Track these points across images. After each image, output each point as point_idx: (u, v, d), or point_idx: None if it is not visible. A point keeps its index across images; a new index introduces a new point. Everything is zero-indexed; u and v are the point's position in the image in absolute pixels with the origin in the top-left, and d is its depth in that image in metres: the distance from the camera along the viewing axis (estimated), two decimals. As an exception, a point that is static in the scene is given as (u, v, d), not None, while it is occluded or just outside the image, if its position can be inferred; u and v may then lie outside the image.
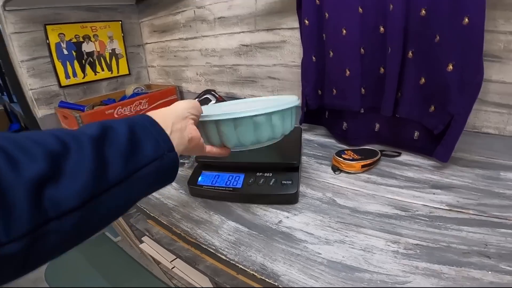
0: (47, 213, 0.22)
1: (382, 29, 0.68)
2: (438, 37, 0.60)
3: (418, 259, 0.41)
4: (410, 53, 0.65)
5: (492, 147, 0.67)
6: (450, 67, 0.59)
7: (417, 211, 0.51)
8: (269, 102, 0.60)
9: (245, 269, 0.42)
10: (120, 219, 1.12)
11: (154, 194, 0.64)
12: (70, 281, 1.41)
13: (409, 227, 0.47)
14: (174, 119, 0.38)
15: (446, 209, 0.51)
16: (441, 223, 0.47)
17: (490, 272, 0.38)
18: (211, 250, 0.47)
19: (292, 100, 0.52)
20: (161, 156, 0.33)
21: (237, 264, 0.44)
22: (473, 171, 0.62)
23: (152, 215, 0.59)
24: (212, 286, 0.75)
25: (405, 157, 0.71)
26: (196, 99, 1.04)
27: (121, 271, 1.47)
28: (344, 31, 0.71)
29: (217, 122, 0.46)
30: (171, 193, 0.65)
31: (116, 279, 1.39)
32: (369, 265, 0.41)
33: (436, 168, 0.64)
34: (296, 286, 0.39)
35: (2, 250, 0.20)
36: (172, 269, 0.91)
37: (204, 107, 0.56)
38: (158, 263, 1.09)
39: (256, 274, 0.41)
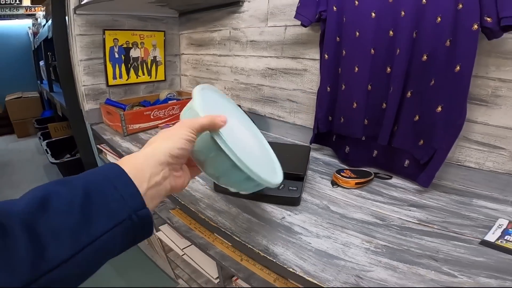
0: None
1: (389, 69, 0.81)
2: (433, 81, 0.73)
3: (383, 256, 0.54)
4: (409, 93, 0.78)
5: (472, 178, 0.79)
6: (439, 108, 0.72)
7: (392, 221, 0.64)
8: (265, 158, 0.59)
9: (253, 248, 0.57)
10: None
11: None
12: None
13: (383, 233, 0.61)
14: (152, 169, 0.34)
15: (416, 223, 0.64)
16: (408, 232, 0.61)
17: (433, 272, 0.50)
18: (228, 233, 0.62)
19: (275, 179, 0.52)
20: (126, 219, 0.29)
21: (247, 244, 0.58)
22: (450, 197, 0.74)
23: (182, 202, 0.74)
24: (215, 274, 0.89)
25: (395, 180, 0.84)
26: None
27: (126, 258, 1.62)
28: (357, 69, 0.85)
29: (233, 164, 0.42)
30: (198, 188, 0.80)
31: (120, 264, 1.55)
32: (345, 256, 0.55)
33: (418, 192, 0.77)
34: (289, 263, 0.53)
35: None
36: (182, 256, 1.04)
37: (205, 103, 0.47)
38: (168, 251, 1.23)
39: (260, 253, 0.56)
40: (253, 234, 0.61)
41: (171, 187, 0.37)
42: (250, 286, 0.74)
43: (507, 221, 0.62)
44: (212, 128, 0.41)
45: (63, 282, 0.25)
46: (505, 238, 0.57)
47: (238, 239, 0.60)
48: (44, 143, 2.57)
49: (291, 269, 0.52)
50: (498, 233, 0.58)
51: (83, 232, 0.26)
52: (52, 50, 2.50)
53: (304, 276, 0.50)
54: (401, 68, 0.77)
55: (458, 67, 0.68)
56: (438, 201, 0.72)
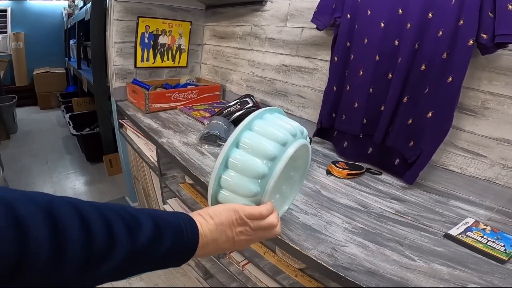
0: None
1: (390, 75, 0.89)
2: (427, 88, 0.81)
3: (358, 236, 0.64)
4: (406, 98, 0.86)
5: (454, 182, 0.87)
6: (430, 114, 0.80)
7: (372, 209, 0.74)
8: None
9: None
10: (153, 179, 1.39)
11: (196, 160, 0.91)
12: None
13: (362, 217, 0.70)
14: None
15: (393, 213, 0.73)
16: (384, 220, 0.70)
17: (396, 254, 0.59)
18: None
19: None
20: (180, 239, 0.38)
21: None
22: (430, 195, 0.83)
23: (193, 174, 0.85)
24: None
25: (384, 176, 0.92)
26: (237, 100, 1.25)
27: None
28: (361, 72, 0.93)
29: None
30: (208, 163, 0.91)
31: None
32: (326, 231, 0.64)
33: (403, 188, 0.86)
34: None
35: None
36: None
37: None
38: None
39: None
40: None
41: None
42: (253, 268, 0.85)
43: (473, 220, 0.70)
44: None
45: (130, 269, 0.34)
46: (467, 233, 0.65)
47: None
48: (67, 115, 2.73)
49: (279, 236, 0.62)
50: (462, 229, 0.67)
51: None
52: (84, 31, 2.66)
53: (289, 243, 0.61)
54: (400, 75, 0.85)
55: (450, 78, 0.75)
56: (418, 198, 0.81)
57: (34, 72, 3.99)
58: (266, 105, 1.41)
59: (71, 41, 3.56)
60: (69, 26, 3.57)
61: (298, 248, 0.59)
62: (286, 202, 0.63)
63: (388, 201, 0.78)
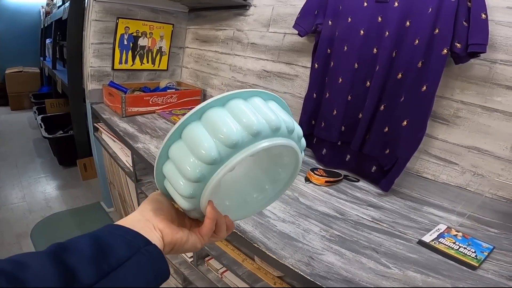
0: None
1: (368, 83, 0.91)
2: (403, 97, 0.83)
3: (335, 244, 0.64)
4: (382, 107, 0.88)
5: (427, 188, 0.89)
6: (405, 122, 0.82)
7: (349, 217, 0.74)
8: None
9: (226, 224, 0.66)
10: (128, 184, 1.34)
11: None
12: (54, 240, 1.59)
13: (339, 225, 0.70)
14: (149, 218, 0.36)
15: (369, 220, 0.74)
16: (361, 227, 0.70)
17: (372, 261, 0.59)
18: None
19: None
20: (138, 250, 0.31)
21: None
22: (405, 202, 0.85)
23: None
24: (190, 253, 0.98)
25: (361, 183, 0.94)
26: None
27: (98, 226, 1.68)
28: (341, 79, 0.94)
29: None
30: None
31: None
32: (304, 239, 0.64)
33: (379, 195, 0.87)
34: (255, 240, 0.62)
35: None
36: None
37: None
38: None
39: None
40: (228, 213, 0.70)
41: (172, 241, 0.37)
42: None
43: (446, 226, 0.72)
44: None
45: None
46: (439, 240, 0.67)
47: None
48: (39, 117, 2.61)
49: (256, 245, 0.61)
50: (435, 235, 0.69)
51: (106, 261, 0.28)
52: (62, 30, 2.58)
53: (266, 251, 0.60)
54: (378, 83, 0.86)
55: (424, 87, 0.77)
56: (394, 205, 0.83)
57: (6, 71, 3.81)
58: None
59: (47, 40, 3.43)
60: (46, 25, 3.44)
61: (275, 257, 0.58)
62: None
63: (365, 208, 0.79)
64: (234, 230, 0.64)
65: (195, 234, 0.39)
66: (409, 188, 0.91)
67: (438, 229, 0.71)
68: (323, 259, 0.59)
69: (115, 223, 0.35)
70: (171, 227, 0.37)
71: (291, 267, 0.56)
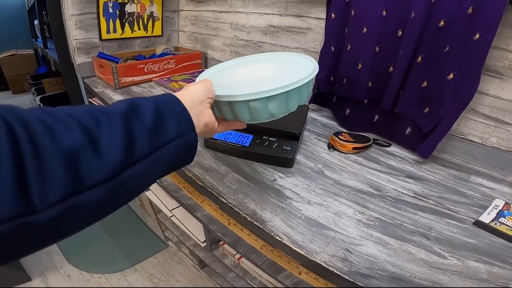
0: (82, 182, 0.23)
1: (400, 33, 0.74)
2: (448, 47, 0.67)
3: (374, 230, 0.52)
4: (420, 58, 0.72)
5: (473, 154, 0.75)
6: (451, 75, 0.67)
7: (387, 192, 0.62)
8: (282, 69, 0.52)
9: (239, 212, 0.55)
10: None
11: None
12: None
13: (377, 204, 0.58)
14: (190, 103, 0.37)
15: (411, 196, 0.61)
16: (402, 206, 0.58)
17: (423, 251, 0.48)
18: (215, 194, 0.59)
19: (308, 67, 0.47)
20: (183, 135, 0.33)
21: (233, 207, 0.56)
22: (448, 171, 0.72)
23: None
24: (203, 238, 0.88)
25: (393, 148, 0.80)
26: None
27: (117, 219, 1.64)
28: (365, 29, 0.78)
29: (230, 103, 0.43)
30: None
31: (111, 226, 1.57)
32: (336, 226, 0.53)
33: (417, 163, 0.74)
34: (276, 231, 0.51)
35: (36, 217, 0.20)
36: (171, 217, 1.02)
37: (208, 73, 0.53)
38: (158, 212, 1.22)
39: (247, 217, 0.54)
40: (241, 196, 0.59)
41: (207, 121, 0.40)
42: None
43: (503, 202, 0.60)
44: (212, 97, 0.42)
45: (137, 178, 0.29)
46: (500, 220, 0.55)
47: (225, 201, 0.58)
48: (37, 98, 2.51)
49: (277, 237, 0.50)
50: (493, 214, 0.56)
51: (158, 138, 0.31)
52: (45, 8, 2.40)
53: (291, 246, 0.48)
54: (414, 32, 0.70)
55: (477, 35, 0.62)
56: (436, 175, 0.70)
57: (0, 56, 3.70)
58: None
59: (35, 21, 3.27)
60: (30, 5, 3.25)
61: (303, 253, 0.47)
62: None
63: (404, 181, 0.66)
64: (249, 219, 0.54)
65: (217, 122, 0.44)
66: (451, 154, 0.78)
67: (496, 205, 0.59)
68: (363, 251, 0.48)
69: (178, 94, 0.37)
70: (211, 114, 0.41)
71: (325, 265, 0.45)
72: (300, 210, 0.56)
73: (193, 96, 0.38)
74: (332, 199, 0.59)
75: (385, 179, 0.66)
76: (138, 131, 0.29)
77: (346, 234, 0.51)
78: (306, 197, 0.59)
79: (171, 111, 0.34)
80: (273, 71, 0.51)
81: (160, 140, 0.31)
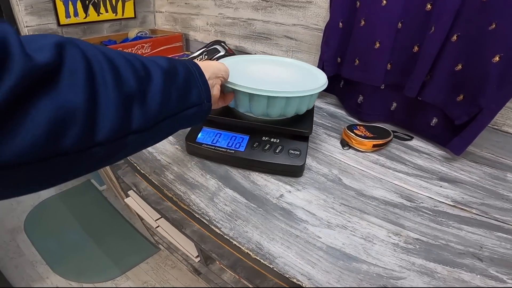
0: (131, 126, 0.26)
1: (429, 6, 0.61)
2: (494, 25, 0.53)
3: (416, 255, 0.40)
4: (455, 37, 0.58)
5: (505, 147, 0.64)
6: (497, 58, 0.53)
7: (422, 202, 0.50)
8: (297, 76, 0.58)
9: (240, 246, 0.41)
10: (107, 168, 1.08)
11: (147, 148, 0.61)
12: (49, 230, 1.40)
13: (413, 220, 0.46)
14: (210, 74, 0.40)
15: (451, 205, 0.50)
16: (444, 219, 0.47)
17: (478, 276, 0.38)
18: (205, 221, 0.45)
19: (320, 77, 0.56)
20: (201, 103, 0.37)
21: (231, 240, 0.42)
22: (481, 168, 0.60)
23: (142, 172, 0.55)
24: (195, 253, 0.74)
25: (416, 142, 0.68)
26: (203, 48, 0.96)
27: (102, 222, 1.49)
28: (385, 2, 0.63)
29: (251, 95, 0.48)
30: (165, 148, 0.61)
31: (96, 230, 1.42)
32: (368, 256, 0.40)
33: (446, 160, 0.62)
34: (292, 271, 0.38)
35: (93, 150, 0.23)
36: (156, 228, 0.88)
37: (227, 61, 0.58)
38: (142, 219, 1.07)
39: (250, 253, 0.40)
40: (239, 222, 0.45)
41: (214, 95, 0.41)
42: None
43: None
44: (226, 78, 0.47)
45: (163, 131, 0.33)
46: None
47: (218, 231, 0.44)
48: None
49: (295, 280, 0.37)
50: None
51: (184, 101, 0.34)
52: None
53: (314, 289, 0.36)
54: (449, 6, 0.56)
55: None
56: (471, 174, 0.58)
57: None
58: (242, 52, 1.09)
59: None
60: None
61: (331, 301, 0.35)
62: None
63: (437, 185, 0.54)
64: (253, 256, 0.40)
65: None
66: (479, 147, 0.66)
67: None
68: (406, 285, 0.36)
69: (201, 64, 0.40)
70: (219, 90, 0.44)
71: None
72: (320, 237, 0.43)
73: (213, 69, 0.42)
74: (357, 217, 0.46)
75: (415, 185, 0.54)
76: (172, 92, 0.32)
77: (382, 265, 0.39)
78: (324, 218, 0.46)
79: (196, 80, 0.37)
80: (289, 75, 0.57)
81: (184, 103, 0.34)
